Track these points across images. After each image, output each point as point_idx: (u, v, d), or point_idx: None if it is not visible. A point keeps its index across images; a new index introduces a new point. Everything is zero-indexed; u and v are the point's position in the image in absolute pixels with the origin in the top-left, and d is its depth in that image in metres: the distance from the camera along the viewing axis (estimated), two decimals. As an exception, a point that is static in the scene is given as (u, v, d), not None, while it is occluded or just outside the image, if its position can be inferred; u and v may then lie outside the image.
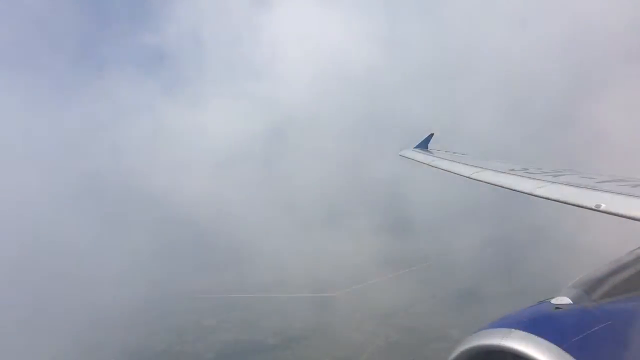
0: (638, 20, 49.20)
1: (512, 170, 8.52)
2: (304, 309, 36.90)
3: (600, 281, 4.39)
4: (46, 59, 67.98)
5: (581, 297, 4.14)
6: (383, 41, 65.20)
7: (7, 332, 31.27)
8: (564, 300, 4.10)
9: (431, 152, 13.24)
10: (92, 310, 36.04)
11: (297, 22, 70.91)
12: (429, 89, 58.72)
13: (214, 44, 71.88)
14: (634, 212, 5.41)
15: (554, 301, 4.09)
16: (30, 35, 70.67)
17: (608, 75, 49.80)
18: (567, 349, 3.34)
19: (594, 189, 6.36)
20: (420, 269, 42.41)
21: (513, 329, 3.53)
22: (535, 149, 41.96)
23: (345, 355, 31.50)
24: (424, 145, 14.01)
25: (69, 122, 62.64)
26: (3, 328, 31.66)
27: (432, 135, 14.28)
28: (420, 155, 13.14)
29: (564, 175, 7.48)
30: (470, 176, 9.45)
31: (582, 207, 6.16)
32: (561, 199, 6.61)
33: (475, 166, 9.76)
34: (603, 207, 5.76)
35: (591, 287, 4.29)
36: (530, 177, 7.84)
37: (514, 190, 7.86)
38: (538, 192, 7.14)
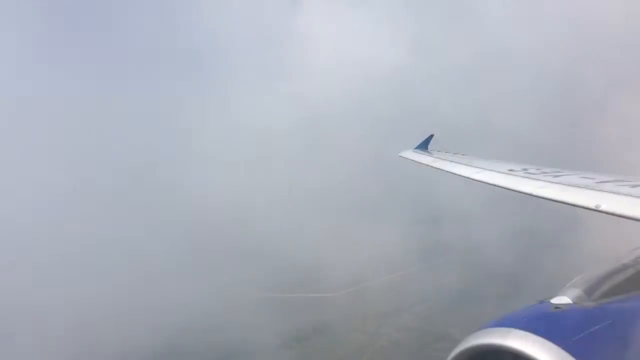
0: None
1: (512, 170, 8.54)
2: (306, 309, 36.91)
3: (599, 281, 4.40)
4: (74, 50, 67.98)
5: (581, 297, 4.15)
6: (410, 41, 65.21)
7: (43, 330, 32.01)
8: (563, 300, 4.12)
9: (431, 153, 13.29)
10: (92, 310, 36.03)
11: (326, 21, 71.03)
12: (455, 88, 58.72)
13: (243, 42, 71.75)
14: (634, 212, 5.42)
15: (553, 301, 4.10)
16: (63, 29, 70.71)
17: (608, 75, 49.84)
18: (567, 349, 3.35)
19: (593, 189, 6.38)
20: (420, 269, 42.39)
21: (512, 329, 3.54)
22: (535, 149, 41.91)
23: (347, 355, 31.51)
24: (423, 146, 14.06)
25: (100, 117, 63.09)
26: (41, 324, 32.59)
27: (432, 136, 14.34)
28: (420, 156, 13.19)
29: (564, 175, 7.50)
30: (470, 177, 9.48)
31: (582, 207, 6.18)
32: (561, 199, 6.64)
33: (475, 167, 9.79)
34: (603, 207, 5.78)
35: (591, 287, 4.30)
36: (530, 178, 7.87)
37: (514, 190, 7.89)
38: (538, 192, 7.16)
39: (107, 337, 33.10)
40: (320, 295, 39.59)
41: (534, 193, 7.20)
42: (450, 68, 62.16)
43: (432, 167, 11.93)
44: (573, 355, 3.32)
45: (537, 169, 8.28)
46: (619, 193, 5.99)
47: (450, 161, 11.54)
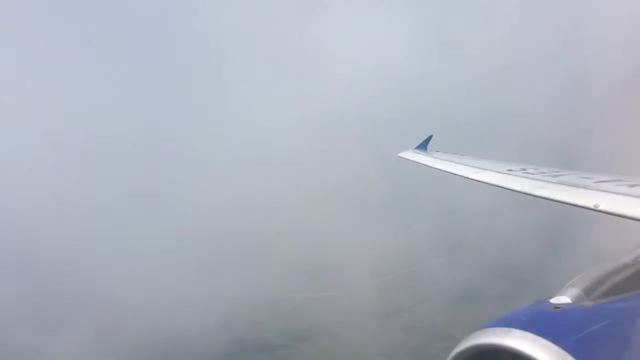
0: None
1: (511, 170, 8.57)
2: (308, 309, 36.91)
3: (599, 281, 4.42)
4: (102, 52, 68.40)
5: (580, 297, 4.17)
6: (428, 41, 65.19)
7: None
8: (562, 299, 4.13)
9: (430, 153, 13.36)
10: (92, 309, 36.12)
11: (344, 21, 71.06)
12: (472, 88, 58.56)
13: (261, 42, 71.75)
14: (632, 211, 5.44)
15: (552, 301, 4.11)
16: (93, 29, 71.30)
17: (607, 74, 49.85)
18: (566, 348, 3.36)
19: (592, 188, 6.40)
20: (421, 269, 42.41)
21: (512, 328, 3.55)
22: (535, 149, 41.95)
23: (349, 355, 31.54)
24: (423, 146, 14.14)
25: (122, 116, 63.81)
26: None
27: (431, 136, 14.42)
28: (419, 157, 13.25)
29: (562, 175, 7.53)
30: (470, 177, 9.52)
31: (580, 207, 6.20)
32: (560, 199, 6.66)
33: (474, 167, 9.83)
34: (601, 206, 5.80)
35: (590, 286, 4.32)
36: (529, 178, 7.90)
37: (513, 190, 7.92)
38: (537, 192, 7.19)
39: (109, 337, 33.20)
40: (321, 295, 39.63)
41: (533, 193, 7.23)
42: (454, 68, 62.02)
43: (431, 167, 11.99)
44: (572, 354, 3.33)
45: (536, 169, 8.31)
46: (617, 193, 6.02)
47: (450, 161, 11.60)
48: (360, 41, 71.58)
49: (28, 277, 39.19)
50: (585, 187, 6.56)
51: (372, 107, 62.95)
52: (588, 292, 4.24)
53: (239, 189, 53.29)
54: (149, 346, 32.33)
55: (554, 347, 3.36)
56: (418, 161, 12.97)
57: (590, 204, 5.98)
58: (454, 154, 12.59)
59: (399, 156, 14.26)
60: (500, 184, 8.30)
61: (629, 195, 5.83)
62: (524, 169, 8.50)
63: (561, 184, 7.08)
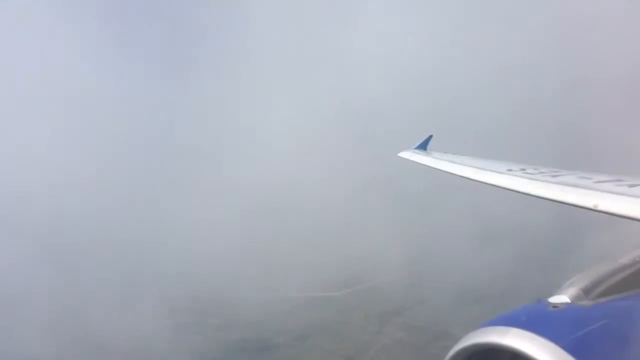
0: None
1: (510, 170, 8.57)
2: (309, 309, 36.98)
3: (597, 280, 4.44)
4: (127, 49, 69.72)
5: (579, 296, 4.19)
6: (427, 41, 65.24)
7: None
8: (561, 299, 4.15)
9: (430, 154, 13.36)
10: (93, 309, 36.13)
11: (368, 18, 71.06)
12: (472, 87, 58.49)
13: (286, 40, 71.91)
14: (631, 212, 5.45)
15: (551, 300, 4.13)
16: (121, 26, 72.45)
17: (607, 74, 49.80)
18: (565, 347, 3.38)
19: (592, 188, 6.40)
20: (422, 269, 42.42)
21: (511, 327, 3.56)
22: (534, 149, 41.93)
23: (351, 354, 31.61)
24: (423, 146, 14.14)
25: (149, 115, 64.85)
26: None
27: (431, 136, 14.42)
28: (419, 157, 13.26)
29: (562, 175, 7.53)
30: (469, 177, 9.53)
31: (580, 207, 6.21)
32: (559, 199, 6.67)
33: (474, 167, 9.83)
34: (601, 206, 5.81)
35: (589, 286, 4.33)
36: (528, 178, 7.90)
37: (512, 190, 7.93)
38: (536, 192, 7.20)
39: (110, 336, 33.20)
40: (323, 294, 39.67)
41: (532, 193, 7.24)
42: (453, 68, 62.00)
43: (431, 167, 12.00)
44: (571, 353, 3.34)
45: (535, 169, 8.31)
46: (617, 193, 6.02)
47: (449, 161, 11.60)
48: (360, 41, 71.81)
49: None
50: (584, 187, 6.56)
51: (372, 106, 63.10)
52: (587, 291, 4.26)
53: (239, 189, 53.37)
54: (150, 345, 32.37)
55: (553, 346, 3.37)
56: (418, 161, 12.98)
57: (590, 204, 5.99)
58: (453, 154, 12.59)
59: (399, 156, 14.27)
60: (500, 184, 8.31)
61: (629, 196, 5.84)
62: (523, 169, 8.50)
63: (561, 184, 7.09)
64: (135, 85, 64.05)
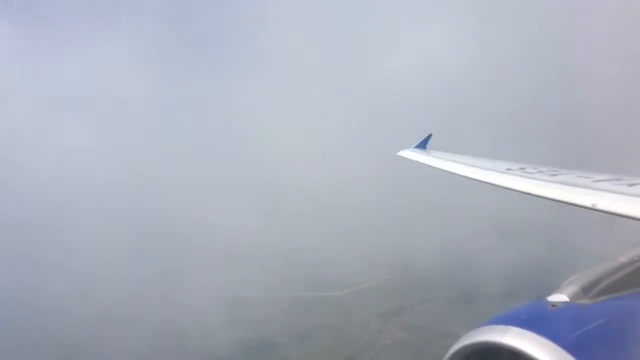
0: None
1: (510, 169, 8.57)
2: (311, 308, 37.04)
3: (596, 279, 4.44)
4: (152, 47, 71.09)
5: (578, 295, 4.19)
6: (427, 41, 65.37)
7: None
8: (560, 297, 4.15)
9: (429, 153, 13.36)
10: (95, 309, 36.18)
11: (393, 20, 71.33)
12: (472, 87, 58.55)
13: (310, 41, 72.25)
14: (630, 210, 5.45)
15: (550, 299, 4.13)
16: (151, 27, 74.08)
17: (607, 74, 49.82)
18: (564, 346, 3.38)
19: (590, 188, 6.40)
20: (423, 269, 42.48)
21: (510, 326, 3.56)
22: (534, 148, 41.94)
23: (353, 354, 31.65)
24: (422, 145, 14.13)
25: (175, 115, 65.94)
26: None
27: (430, 135, 14.42)
28: (418, 156, 13.25)
29: (561, 174, 7.53)
30: (469, 176, 9.53)
31: (579, 206, 6.21)
32: (558, 198, 6.67)
33: (473, 166, 9.83)
34: (599, 206, 5.81)
35: (587, 285, 4.34)
36: (527, 177, 7.90)
37: (512, 189, 7.93)
38: (535, 191, 7.20)
39: (113, 336, 33.24)
40: (324, 294, 39.70)
41: (531, 192, 7.23)
42: (454, 68, 62.01)
43: (430, 166, 12.00)
44: (570, 352, 3.35)
45: (534, 168, 8.31)
46: (615, 192, 6.02)
47: (448, 160, 11.59)
48: (361, 42, 71.92)
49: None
50: (583, 186, 6.56)
51: (372, 106, 63.16)
52: (586, 290, 4.27)
53: (240, 190, 53.44)
54: (153, 344, 32.41)
55: (552, 345, 3.38)
56: (417, 160, 12.97)
57: (588, 203, 5.99)
58: (452, 153, 12.58)
59: (398, 155, 14.27)
60: (499, 183, 8.31)
61: (628, 195, 5.84)
62: (522, 168, 8.50)
63: (559, 183, 7.08)
64: (163, 85, 65.45)
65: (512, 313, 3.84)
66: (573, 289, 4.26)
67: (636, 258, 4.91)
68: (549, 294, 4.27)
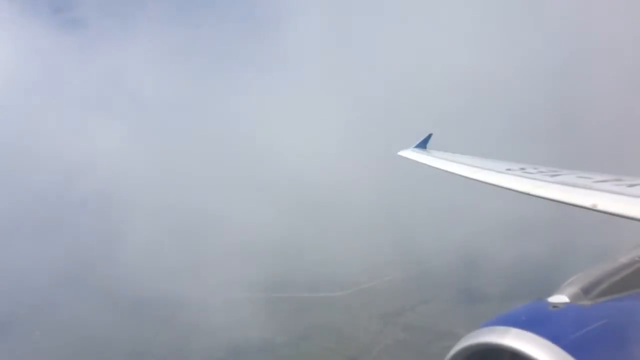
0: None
1: (510, 170, 8.55)
2: (311, 309, 37.08)
3: (597, 280, 4.42)
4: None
5: (578, 296, 4.17)
6: (427, 40, 65.56)
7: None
8: (561, 298, 4.13)
9: (430, 152, 13.33)
10: (96, 309, 36.23)
11: (394, 20, 71.56)
12: (472, 87, 58.60)
13: (309, 42, 72.72)
14: (631, 211, 5.44)
15: (550, 300, 4.12)
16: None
17: (604, 73, 49.81)
18: (564, 347, 3.37)
19: (591, 188, 6.39)
20: (424, 269, 42.51)
21: (510, 327, 3.55)
22: (533, 149, 41.95)
23: (354, 354, 31.70)
24: (422, 145, 14.10)
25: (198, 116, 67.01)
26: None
27: (430, 135, 14.38)
28: (419, 155, 13.23)
29: (561, 175, 7.51)
30: (469, 176, 9.52)
31: (579, 206, 6.20)
32: (558, 199, 6.65)
33: (473, 166, 9.82)
34: (600, 206, 5.80)
35: (588, 285, 4.32)
36: (527, 177, 7.89)
37: (512, 190, 7.91)
38: (536, 191, 7.19)
39: (114, 336, 33.26)
40: (325, 294, 39.71)
41: (531, 192, 7.22)
42: (453, 68, 62.02)
43: (430, 166, 11.98)
44: (571, 353, 3.34)
45: (535, 168, 8.30)
46: (616, 192, 6.01)
47: (449, 160, 11.58)
48: (361, 42, 71.98)
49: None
50: (583, 186, 6.55)
51: (372, 106, 63.18)
52: (586, 291, 4.25)
53: (240, 190, 53.45)
54: (154, 345, 32.44)
55: (552, 346, 3.37)
56: (417, 160, 12.95)
57: (589, 204, 5.97)
58: (453, 153, 12.56)
59: (399, 155, 14.25)
60: (499, 184, 8.30)
61: (628, 195, 5.83)
62: (522, 168, 8.49)
63: (560, 183, 7.07)
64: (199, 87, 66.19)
65: (512, 314, 3.83)
66: (573, 289, 4.24)
67: (637, 259, 4.89)
68: (550, 294, 4.25)
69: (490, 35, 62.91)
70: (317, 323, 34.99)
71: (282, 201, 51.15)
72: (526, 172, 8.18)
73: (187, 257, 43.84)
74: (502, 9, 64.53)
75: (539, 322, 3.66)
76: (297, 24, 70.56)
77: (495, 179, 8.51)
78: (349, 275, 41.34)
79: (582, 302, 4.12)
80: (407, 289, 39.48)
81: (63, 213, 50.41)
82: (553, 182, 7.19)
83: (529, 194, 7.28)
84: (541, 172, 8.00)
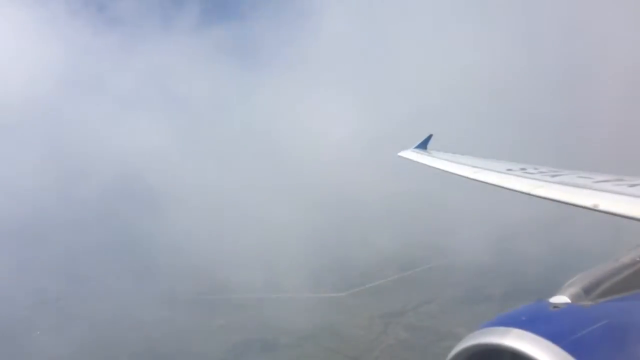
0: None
1: (510, 170, 8.55)
2: (314, 309, 37.01)
3: (598, 280, 4.41)
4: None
5: (579, 296, 4.16)
6: (427, 40, 65.82)
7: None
8: (561, 299, 4.12)
9: (430, 153, 13.33)
10: (97, 309, 36.26)
11: (395, 21, 72.00)
12: (472, 87, 58.58)
13: (311, 42, 73.26)
14: (631, 211, 5.44)
15: (551, 300, 4.11)
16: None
17: (608, 73, 49.79)
18: (565, 348, 3.36)
19: (591, 188, 6.39)
20: (425, 270, 42.50)
21: (511, 328, 3.54)
22: (534, 149, 41.94)
23: (356, 354, 31.65)
24: (423, 145, 14.09)
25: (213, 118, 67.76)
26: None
27: (431, 136, 14.38)
28: (419, 156, 13.22)
29: (561, 175, 7.51)
30: (469, 176, 9.51)
31: (580, 206, 6.20)
32: (559, 199, 6.65)
33: (474, 166, 9.81)
34: (601, 206, 5.80)
35: (589, 286, 4.31)
36: (528, 177, 7.89)
37: (512, 190, 7.91)
38: (536, 192, 7.18)
39: (115, 337, 33.26)
40: (327, 295, 39.70)
41: (532, 192, 7.22)
42: (453, 67, 62.06)
43: (431, 166, 11.97)
44: (572, 354, 3.33)
45: (535, 169, 8.30)
46: (617, 192, 6.01)
47: (449, 161, 11.58)
48: (362, 42, 72.10)
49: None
50: (584, 187, 6.55)
51: (372, 106, 63.26)
52: (587, 291, 4.24)
53: (240, 189, 53.47)
54: (156, 346, 32.44)
55: (553, 347, 3.36)
56: (418, 160, 12.94)
57: (590, 204, 5.97)
58: (453, 153, 12.56)
59: (399, 155, 14.24)
60: (500, 184, 8.30)
61: (629, 195, 5.82)
62: (523, 169, 8.48)
63: (560, 183, 7.07)
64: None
65: (514, 314, 3.82)
66: (574, 290, 4.23)
67: (638, 259, 4.88)
68: (551, 295, 4.24)
69: (491, 35, 63.00)
70: (319, 323, 34.94)
71: (284, 202, 51.17)
72: (527, 173, 8.18)
73: (187, 257, 43.84)
74: (502, 9, 64.63)
75: (540, 322, 3.65)
76: (332, 25, 71.33)
77: (496, 179, 8.51)
78: (351, 275, 41.35)
79: (583, 302, 4.11)
80: (409, 289, 39.46)
81: (111, 207, 52.28)
82: (554, 182, 7.19)
83: (529, 194, 7.27)
84: (542, 172, 8.00)
